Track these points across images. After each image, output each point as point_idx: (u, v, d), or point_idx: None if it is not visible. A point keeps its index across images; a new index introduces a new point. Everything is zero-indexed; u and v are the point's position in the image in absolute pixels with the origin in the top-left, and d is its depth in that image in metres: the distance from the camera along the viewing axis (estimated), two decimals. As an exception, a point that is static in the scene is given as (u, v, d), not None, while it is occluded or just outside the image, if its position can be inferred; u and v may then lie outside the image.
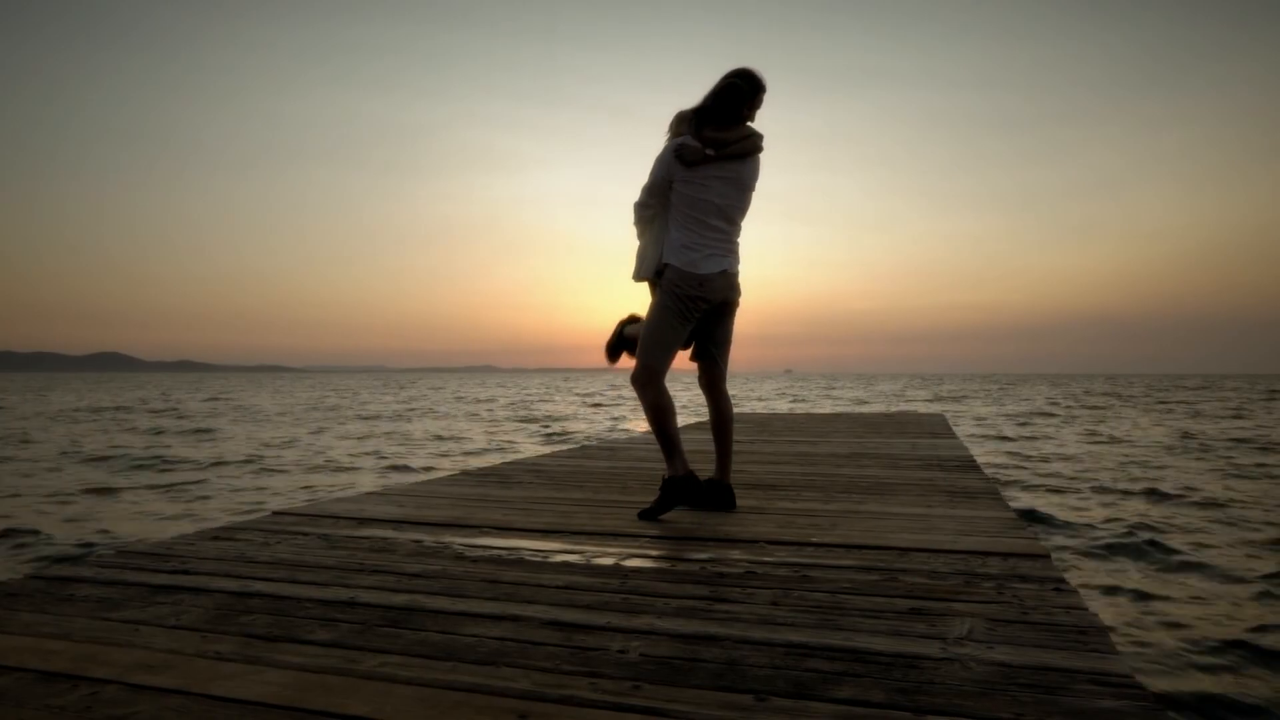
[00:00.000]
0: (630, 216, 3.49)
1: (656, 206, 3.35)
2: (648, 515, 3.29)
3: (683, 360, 3.56)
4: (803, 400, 36.41)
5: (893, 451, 6.00)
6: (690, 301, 3.25)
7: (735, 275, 3.35)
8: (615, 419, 23.91)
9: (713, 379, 3.47)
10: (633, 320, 3.66)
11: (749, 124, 3.29)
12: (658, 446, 3.37)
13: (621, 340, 3.66)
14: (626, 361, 3.62)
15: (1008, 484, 9.52)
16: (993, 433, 17.76)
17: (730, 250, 3.32)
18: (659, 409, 3.28)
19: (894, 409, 23.25)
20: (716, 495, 3.45)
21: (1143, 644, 3.86)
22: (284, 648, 1.73)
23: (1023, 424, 20.93)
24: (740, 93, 3.19)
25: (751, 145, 3.26)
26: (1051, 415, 24.94)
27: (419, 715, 1.39)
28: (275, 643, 1.76)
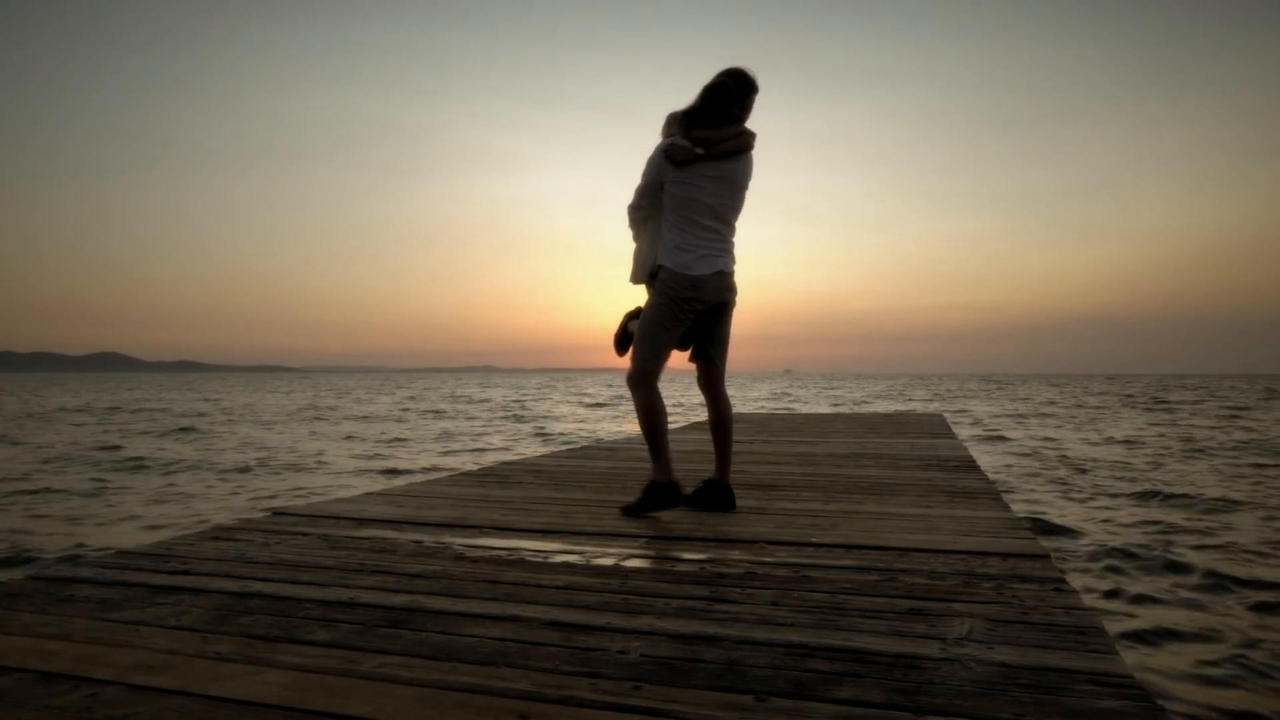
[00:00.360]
0: (625, 219, 3.49)
1: (649, 208, 3.35)
2: (629, 511, 3.31)
3: (682, 361, 3.56)
4: (802, 401, 36.43)
5: (892, 452, 6.01)
6: (685, 303, 3.24)
7: (731, 275, 3.34)
8: (613, 418, 23.91)
9: (711, 379, 3.47)
10: (638, 314, 3.67)
11: (742, 123, 3.28)
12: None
13: (627, 334, 3.67)
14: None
15: (1006, 484, 9.52)
16: (992, 433, 17.77)
17: (725, 250, 3.31)
18: (651, 411, 3.28)
19: (893, 409, 23.26)
20: (716, 495, 3.45)
21: (1142, 646, 3.86)
22: (284, 648, 1.72)
23: (1022, 424, 20.94)
24: (729, 91, 3.19)
25: (742, 143, 3.24)
26: (1050, 416, 24.96)
27: (419, 716, 1.39)
28: (275, 643, 1.76)
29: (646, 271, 3.38)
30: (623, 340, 3.68)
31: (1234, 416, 24.25)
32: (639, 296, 3.57)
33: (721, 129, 3.21)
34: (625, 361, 3.61)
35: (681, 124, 3.25)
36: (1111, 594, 4.76)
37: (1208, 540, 6.34)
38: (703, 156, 3.18)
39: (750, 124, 3.31)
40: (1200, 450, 13.93)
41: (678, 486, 3.29)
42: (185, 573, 2.39)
